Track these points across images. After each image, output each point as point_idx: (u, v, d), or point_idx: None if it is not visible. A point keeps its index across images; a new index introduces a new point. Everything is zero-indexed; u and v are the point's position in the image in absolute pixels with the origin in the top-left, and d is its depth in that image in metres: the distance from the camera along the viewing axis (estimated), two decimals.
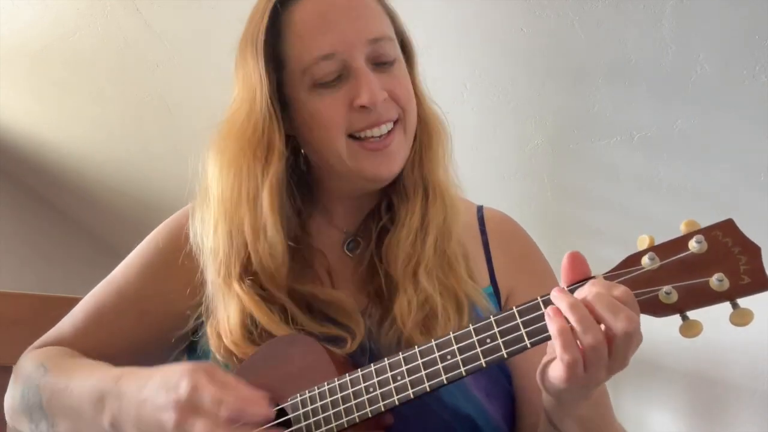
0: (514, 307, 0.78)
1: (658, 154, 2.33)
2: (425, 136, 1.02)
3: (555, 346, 0.73)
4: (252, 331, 0.93)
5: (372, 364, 0.83)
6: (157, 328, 1.03)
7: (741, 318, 0.72)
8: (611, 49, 2.01)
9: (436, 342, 0.80)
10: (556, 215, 2.76)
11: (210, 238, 0.98)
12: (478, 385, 0.94)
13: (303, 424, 0.84)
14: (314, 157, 1.02)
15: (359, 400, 0.82)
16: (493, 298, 1.02)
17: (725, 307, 0.73)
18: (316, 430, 0.83)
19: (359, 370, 0.83)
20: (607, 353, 0.72)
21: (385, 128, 0.96)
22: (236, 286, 0.94)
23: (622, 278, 0.75)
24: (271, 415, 0.83)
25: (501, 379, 0.98)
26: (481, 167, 2.57)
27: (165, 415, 0.80)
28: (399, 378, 0.81)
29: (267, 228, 0.94)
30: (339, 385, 0.83)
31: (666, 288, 0.73)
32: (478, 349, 0.78)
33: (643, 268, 0.75)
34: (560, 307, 0.73)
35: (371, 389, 0.82)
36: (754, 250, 0.73)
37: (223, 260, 0.96)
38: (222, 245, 0.96)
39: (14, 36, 2.39)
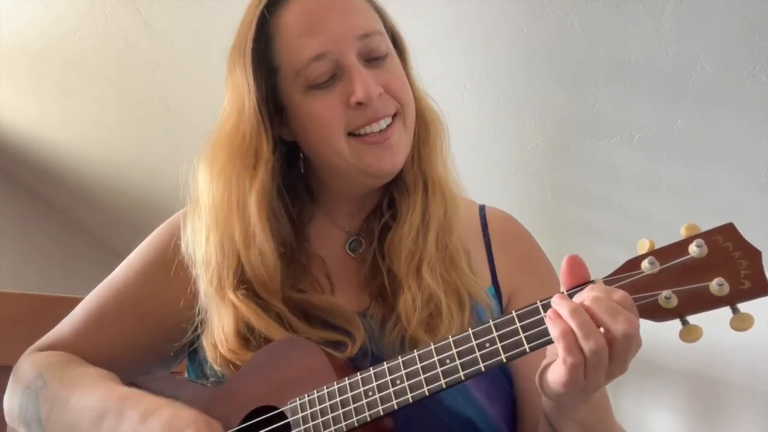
0: (513, 312, 0.78)
1: (658, 154, 2.33)
2: (423, 130, 1.01)
3: (558, 348, 0.72)
4: (248, 338, 0.92)
5: (371, 368, 0.83)
6: (157, 333, 1.02)
7: (741, 323, 0.71)
8: (611, 49, 2.01)
9: (435, 346, 0.80)
10: (556, 215, 2.76)
11: (202, 248, 0.97)
12: (479, 387, 0.94)
13: (302, 427, 0.83)
14: (315, 158, 1.01)
15: (358, 404, 0.82)
16: (494, 298, 1.01)
17: (725, 310, 0.73)
18: None
19: (358, 373, 0.83)
20: (608, 358, 0.72)
21: (384, 123, 0.95)
22: (231, 295, 0.94)
23: (622, 282, 0.75)
24: None
25: (502, 381, 0.98)
26: (481, 167, 2.57)
27: None
28: (398, 382, 0.80)
29: (256, 236, 0.94)
30: (338, 388, 0.83)
31: (666, 292, 0.73)
32: (477, 354, 0.77)
33: (642, 272, 0.74)
34: (561, 313, 0.73)
35: (370, 393, 0.81)
36: (754, 255, 0.72)
37: (215, 270, 0.95)
38: (214, 255, 0.95)
39: (14, 36, 2.39)
